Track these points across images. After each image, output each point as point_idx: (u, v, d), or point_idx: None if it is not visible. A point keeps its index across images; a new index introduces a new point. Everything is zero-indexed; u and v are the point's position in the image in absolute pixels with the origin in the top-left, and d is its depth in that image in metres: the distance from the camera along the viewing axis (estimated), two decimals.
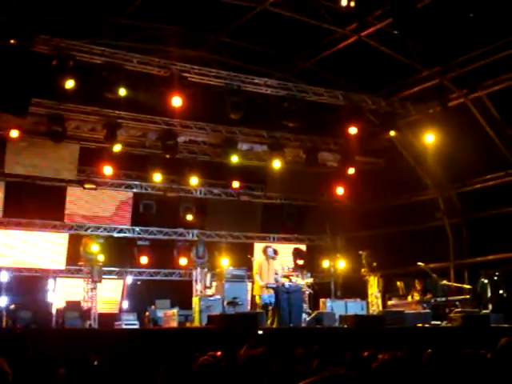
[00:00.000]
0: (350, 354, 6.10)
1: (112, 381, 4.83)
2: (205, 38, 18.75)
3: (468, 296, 17.52)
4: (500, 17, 15.40)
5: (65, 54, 14.88)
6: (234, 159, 19.54)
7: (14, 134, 16.63)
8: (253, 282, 15.55)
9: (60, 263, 20.20)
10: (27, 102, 15.21)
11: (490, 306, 17.03)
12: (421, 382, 3.35)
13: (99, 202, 20.64)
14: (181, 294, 20.23)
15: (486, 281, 17.60)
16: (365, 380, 4.58)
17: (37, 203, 19.09)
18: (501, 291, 17.77)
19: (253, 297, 15.49)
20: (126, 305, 21.22)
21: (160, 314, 18.69)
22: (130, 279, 21.58)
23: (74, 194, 20.03)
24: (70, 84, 14.86)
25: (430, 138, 18.57)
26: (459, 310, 16.27)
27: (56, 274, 20.19)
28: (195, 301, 17.20)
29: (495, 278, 17.79)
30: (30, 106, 15.98)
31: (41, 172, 18.87)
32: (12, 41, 14.15)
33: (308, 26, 16.88)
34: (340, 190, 22.07)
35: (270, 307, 14.89)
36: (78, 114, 17.93)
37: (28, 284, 19.65)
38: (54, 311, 18.09)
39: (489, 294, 17.40)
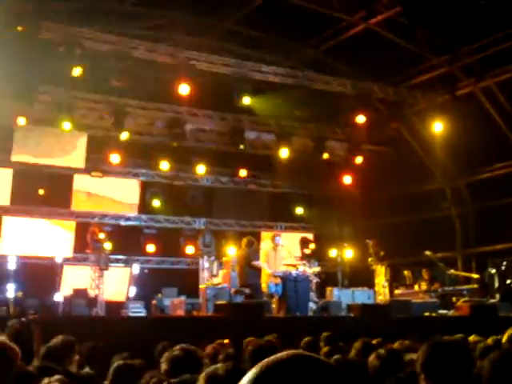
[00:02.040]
0: (361, 343, 6.07)
1: (120, 368, 4.82)
2: (212, 25, 18.68)
3: (476, 285, 17.47)
4: (509, 5, 15.28)
5: (72, 42, 14.84)
6: (242, 148, 19.50)
7: (22, 121, 16.62)
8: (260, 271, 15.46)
9: (67, 251, 20.24)
10: (35, 91, 15.20)
11: (498, 296, 16.99)
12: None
13: (106, 190, 20.63)
14: (188, 283, 20.24)
15: (493, 270, 17.56)
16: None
17: (44, 191, 19.10)
18: (508, 281, 17.72)
19: (260, 285, 15.42)
20: (132, 293, 21.26)
21: (167, 302, 18.70)
22: (136, 267, 21.62)
23: (81, 182, 20.01)
24: (77, 72, 14.83)
25: (438, 127, 18.46)
26: (467, 299, 16.22)
27: (63, 261, 20.24)
28: (202, 289, 17.19)
29: (503, 267, 17.74)
30: (38, 94, 15.99)
31: (48, 160, 18.89)
32: (19, 28, 14.12)
33: (316, 14, 16.79)
34: (347, 179, 22.02)
35: (277, 296, 14.85)
36: (86, 101, 17.93)
37: (35, 272, 19.70)
38: (61, 299, 18.14)
39: (496, 284, 17.36)
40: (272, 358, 1.37)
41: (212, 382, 2.13)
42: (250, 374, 1.36)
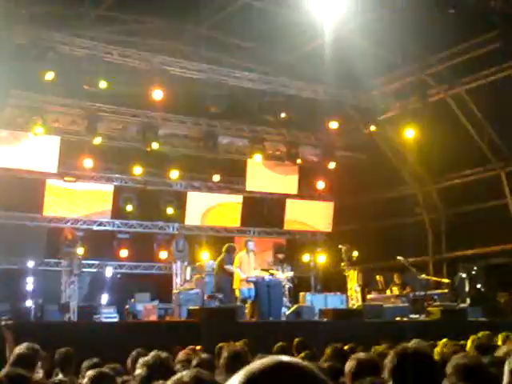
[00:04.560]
0: (331, 348, 6.13)
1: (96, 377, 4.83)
2: (186, 30, 18.68)
3: (446, 290, 17.65)
4: (480, 13, 15.49)
5: (44, 46, 14.78)
6: (214, 153, 19.56)
7: None
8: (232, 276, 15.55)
9: (39, 256, 20.08)
10: (6, 94, 15.11)
11: (468, 300, 17.18)
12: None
13: (79, 195, 20.51)
14: (161, 288, 20.21)
15: (464, 275, 17.76)
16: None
17: (15, 196, 18.92)
18: (478, 285, 17.95)
19: (232, 290, 15.47)
20: (105, 298, 21.15)
21: (140, 307, 18.65)
22: (109, 272, 21.50)
23: (53, 187, 19.87)
24: (49, 76, 14.76)
25: (410, 134, 18.66)
26: (437, 303, 16.38)
27: (35, 266, 20.07)
28: (175, 294, 17.18)
29: (473, 272, 17.97)
30: (9, 98, 15.88)
31: (20, 164, 18.74)
32: None
33: (289, 20, 16.86)
34: (320, 185, 22.14)
35: (250, 301, 14.90)
36: (58, 106, 17.86)
37: (6, 278, 19.51)
38: (32, 305, 18.00)
39: (467, 288, 17.55)
40: (257, 364, 1.38)
41: None
42: (235, 381, 1.37)
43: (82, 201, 20.42)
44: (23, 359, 5.91)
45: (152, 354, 4.27)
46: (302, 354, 6.68)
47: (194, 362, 5.56)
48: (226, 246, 16.23)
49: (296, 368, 1.37)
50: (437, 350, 6.97)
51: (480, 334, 8.28)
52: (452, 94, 18.81)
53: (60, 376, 6.42)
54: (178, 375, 2.85)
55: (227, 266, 15.36)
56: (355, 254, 18.80)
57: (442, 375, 3.72)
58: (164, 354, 4.30)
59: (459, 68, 17.96)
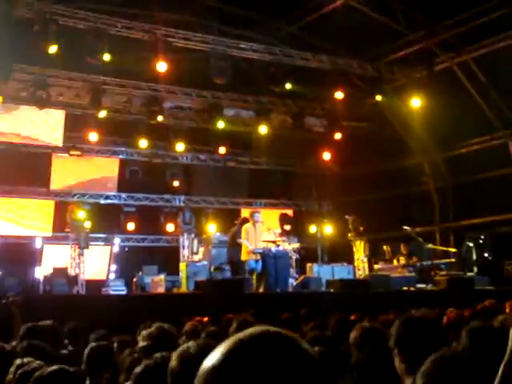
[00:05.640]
0: (336, 318, 6.15)
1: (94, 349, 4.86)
2: (190, 1, 18.53)
3: (453, 259, 17.67)
4: None
5: (47, 19, 14.67)
6: (220, 125, 19.47)
7: None
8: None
9: (46, 230, 20.16)
10: (10, 68, 15.05)
11: (475, 269, 17.20)
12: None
13: (85, 169, 20.53)
14: (168, 260, 20.29)
15: (471, 244, 17.74)
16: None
17: (22, 170, 18.96)
18: (486, 254, 17.93)
19: (242, 262, 15.49)
20: (113, 271, 21.27)
21: (147, 279, 18.73)
22: (117, 246, 21.60)
23: (59, 161, 19.89)
24: (53, 49, 14.68)
25: (416, 103, 18.53)
26: (444, 273, 16.41)
27: (43, 241, 20.16)
28: (182, 266, 17.24)
29: (480, 241, 17.93)
30: (13, 72, 15.82)
31: (25, 139, 18.74)
32: None
33: None
34: (327, 155, 22.07)
35: (256, 272, 14.95)
36: (62, 79, 17.79)
37: (14, 252, 19.60)
38: (41, 278, 18.12)
39: (474, 257, 17.55)
40: (242, 334, 1.37)
41: (184, 359, 2.16)
42: (220, 350, 1.35)
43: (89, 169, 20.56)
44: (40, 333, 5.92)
45: (155, 325, 4.28)
46: (309, 325, 6.70)
47: (203, 335, 5.58)
48: (240, 218, 16.31)
49: (281, 338, 1.36)
50: (444, 318, 6.98)
51: (487, 302, 8.29)
52: (458, 62, 18.64)
53: (70, 348, 6.47)
54: (184, 346, 2.86)
55: (238, 239, 15.37)
56: (361, 229, 18.79)
57: (449, 343, 3.72)
58: (167, 326, 4.31)
59: (465, 36, 17.78)
